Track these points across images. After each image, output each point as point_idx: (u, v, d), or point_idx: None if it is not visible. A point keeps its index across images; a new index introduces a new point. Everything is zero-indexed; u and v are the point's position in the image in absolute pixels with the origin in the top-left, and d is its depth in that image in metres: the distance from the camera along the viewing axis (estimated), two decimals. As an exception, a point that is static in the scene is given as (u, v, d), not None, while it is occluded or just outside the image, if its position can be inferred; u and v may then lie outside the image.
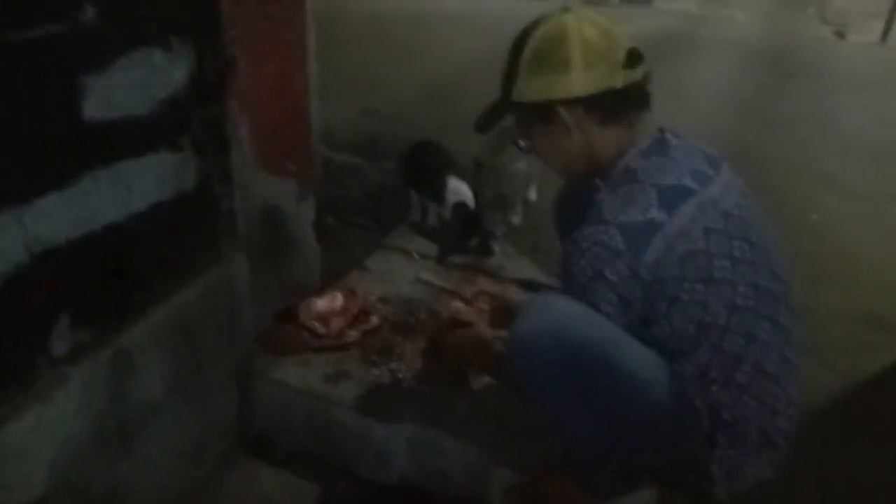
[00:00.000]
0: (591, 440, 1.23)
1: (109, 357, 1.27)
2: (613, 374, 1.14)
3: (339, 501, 1.60)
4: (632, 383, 1.15)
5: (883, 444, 1.78)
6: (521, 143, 1.38)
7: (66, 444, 1.19)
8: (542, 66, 1.23)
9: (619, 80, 1.20)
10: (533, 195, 2.77)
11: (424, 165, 2.46)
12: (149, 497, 1.43)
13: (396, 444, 1.57)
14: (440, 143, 2.53)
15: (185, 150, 1.41)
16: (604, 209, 1.17)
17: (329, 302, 1.83)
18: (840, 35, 8.35)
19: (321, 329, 1.76)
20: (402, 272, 2.16)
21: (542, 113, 1.25)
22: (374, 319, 1.84)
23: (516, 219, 2.65)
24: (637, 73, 1.22)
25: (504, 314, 1.65)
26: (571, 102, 1.22)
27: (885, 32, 7.95)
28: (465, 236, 2.29)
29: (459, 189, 2.33)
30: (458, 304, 1.69)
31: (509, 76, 1.27)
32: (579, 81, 1.20)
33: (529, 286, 2.07)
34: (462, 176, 2.38)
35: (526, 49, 1.24)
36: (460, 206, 2.29)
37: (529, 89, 1.25)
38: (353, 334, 1.78)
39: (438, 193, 2.35)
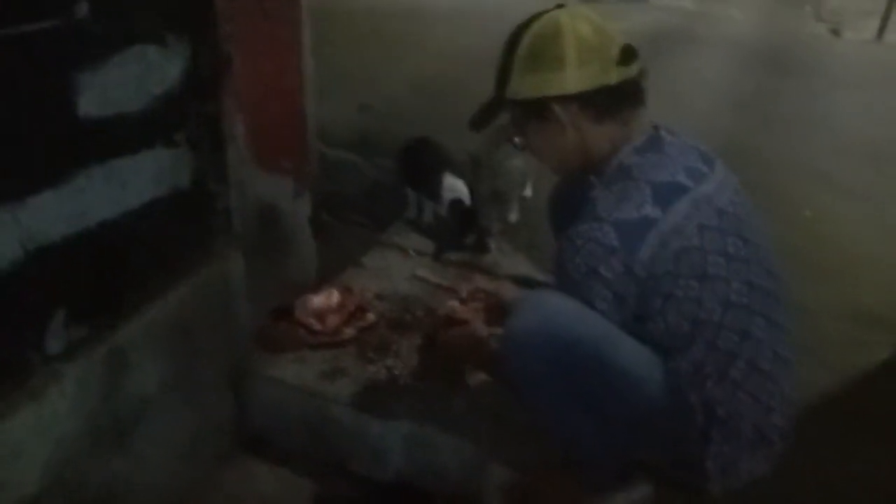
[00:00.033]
0: (586, 437, 1.23)
1: (104, 355, 1.27)
2: (607, 370, 1.15)
3: (335, 499, 1.60)
4: (626, 380, 1.15)
5: (879, 442, 1.79)
6: (516, 140, 1.38)
7: (60, 442, 1.19)
8: (536, 63, 1.23)
9: (614, 76, 1.21)
10: (528, 192, 2.77)
11: (420, 162, 2.46)
12: (144, 495, 1.43)
13: (393, 441, 1.57)
14: (436, 140, 2.53)
15: (180, 147, 1.40)
16: (598, 206, 1.17)
17: (325, 299, 1.83)
18: (836, 33, 8.37)
19: (317, 326, 1.76)
20: (398, 269, 2.16)
21: (537, 110, 1.25)
22: (371, 316, 1.84)
23: (513, 216, 2.65)
24: (632, 70, 1.22)
25: (499, 312, 1.65)
26: (566, 99, 1.22)
27: (881, 30, 7.97)
28: (461, 233, 2.29)
29: (455, 186, 2.32)
30: (453, 304, 1.69)
31: (503, 73, 1.27)
32: (574, 78, 1.20)
33: (525, 283, 2.07)
34: (458, 173, 2.38)
35: (520, 46, 1.24)
36: (456, 203, 2.29)
37: (524, 86, 1.25)
38: (349, 331, 1.78)
39: (434, 190, 2.34)
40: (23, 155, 1.07)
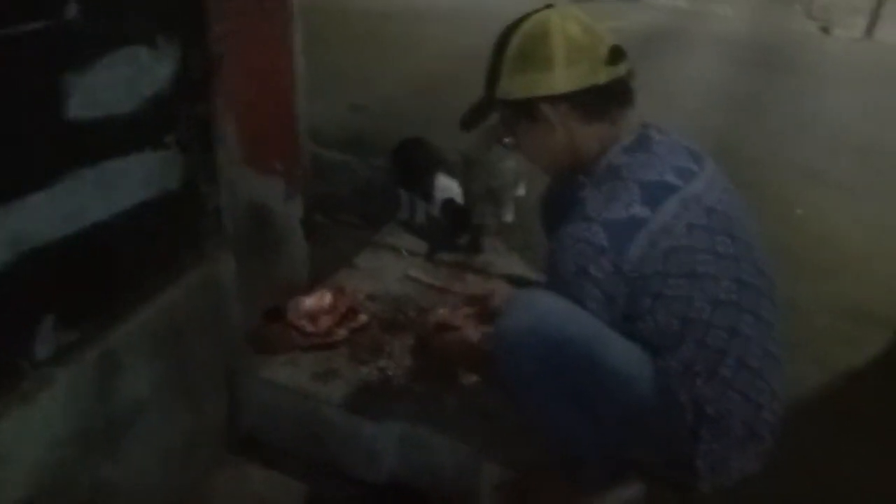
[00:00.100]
0: (577, 436, 1.24)
1: (95, 358, 1.27)
2: (597, 369, 1.15)
3: (329, 500, 1.60)
4: (616, 379, 1.15)
5: (870, 438, 1.80)
6: (507, 140, 1.38)
7: (51, 446, 1.19)
8: (525, 63, 1.23)
9: (602, 76, 1.21)
10: (521, 191, 2.77)
11: (412, 163, 2.46)
12: (137, 498, 1.42)
13: (386, 442, 1.57)
14: (427, 140, 2.53)
15: (170, 148, 1.40)
16: (587, 206, 1.17)
17: (317, 300, 1.83)
18: (825, 30, 8.42)
19: (310, 327, 1.76)
20: (390, 269, 2.16)
21: (527, 110, 1.26)
22: (363, 317, 1.84)
23: (508, 216, 2.65)
24: (620, 70, 1.23)
25: (491, 317, 1.66)
26: (555, 99, 1.22)
27: (870, 27, 8.02)
28: (454, 233, 2.30)
29: (448, 186, 2.33)
30: (444, 311, 1.70)
31: (493, 74, 1.28)
32: (562, 78, 1.20)
33: (519, 283, 2.08)
34: (451, 173, 2.38)
35: (509, 47, 1.24)
36: (449, 203, 2.29)
37: (513, 87, 1.26)
38: (341, 332, 1.77)
39: (427, 191, 2.35)
40: (11, 157, 1.07)
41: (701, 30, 7.92)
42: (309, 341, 1.74)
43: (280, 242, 1.87)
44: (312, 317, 1.78)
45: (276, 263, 1.88)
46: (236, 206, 1.63)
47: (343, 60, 4.94)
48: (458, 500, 1.54)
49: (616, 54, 1.21)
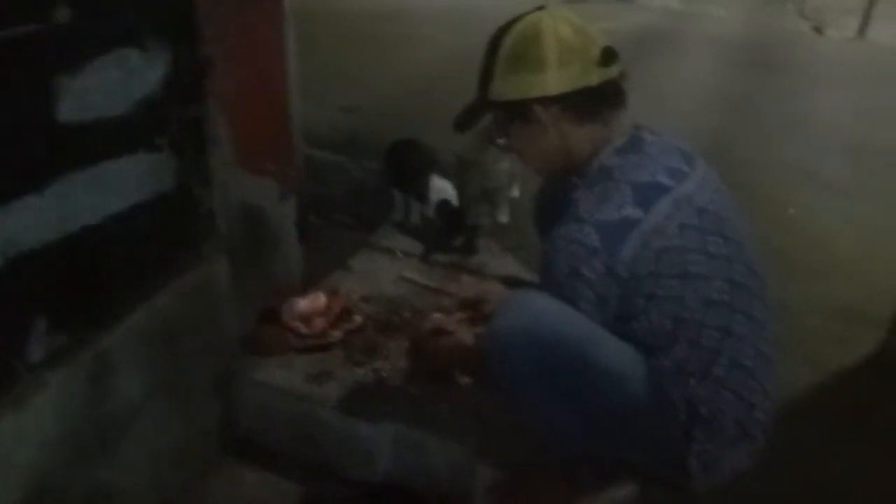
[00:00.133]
0: (570, 436, 1.24)
1: (88, 361, 1.26)
2: (590, 370, 1.15)
3: (323, 502, 1.60)
4: (609, 379, 1.16)
5: (861, 436, 1.81)
6: (500, 141, 1.39)
7: (43, 450, 1.18)
8: (517, 65, 1.23)
9: (594, 78, 1.22)
10: (516, 192, 2.78)
11: (406, 164, 2.46)
12: (131, 501, 1.42)
13: (381, 443, 1.57)
14: (421, 141, 2.53)
15: (163, 150, 1.40)
16: (580, 207, 1.18)
17: (312, 302, 1.82)
18: (818, 30, 8.46)
19: (304, 329, 1.75)
20: (385, 271, 2.16)
21: (519, 112, 1.26)
22: (358, 319, 1.84)
23: (503, 216, 2.65)
24: (612, 71, 1.23)
25: (485, 317, 1.67)
26: (547, 101, 1.23)
27: (862, 28, 8.06)
28: (448, 234, 2.30)
29: (442, 187, 2.33)
30: (438, 316, 1.70)
31: (486, 75, 1.28)
32: (554, 80, 1.21)
33: (513, 283, 2.08)
34: (445, 174, 2.38)
35: (501, 48, 1.25)
36: (444, 204, 2.29)
37: (506, 88, 1.26)
38: (336, 334, 1.77)
39: (421, 192, 2.35)
40: (3, 160, 1.06)
41: (694, 30, 7.94)
42: (303, 343, 1.74)
43: (274, 244, 1.87)
44: (307, 318, 1.78)
45: (270, 265, 1.87)
46: (230, 208, 1.63)
47: (337, 61, 4.95)
48: (452, 501, 1.54)
49: (608, 56, 1.22)
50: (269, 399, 1.66)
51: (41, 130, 1.12)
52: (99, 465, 1.32)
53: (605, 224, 1.14)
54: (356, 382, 1.66)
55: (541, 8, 1.26)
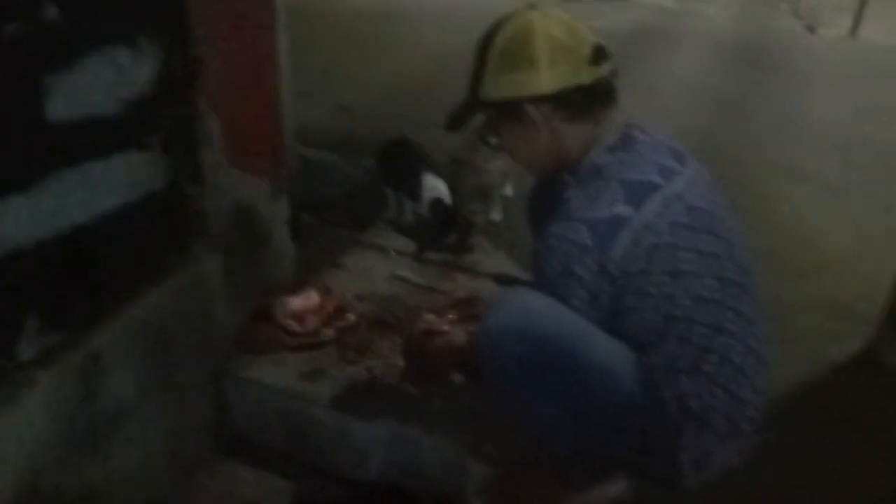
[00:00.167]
0: (562, 433, 1.24)
1: (79, 360, 1.26)
2: (581, 367, 1.16)
3: (316, 500, 1.60)
4: (600, 376, 1.16)
5: (852, 430, 1.82)
6: (491, 140, 1.39)
7: (34, 449, 1.18)
8: (508, 64, 1.24)
9: (586, 76, 1.22)
10: (509, 190, 2.78)
11: (400, 163, 2.47)
12: (123, 499, 1.41)
13: (374, 442, 1.58)
14: (413, 140, 2.54)
15: (153, 150, 1.40)
16: (571, 206, 1.18)
17: (304, 300, 1.82)
18: (811, 29, 8.50)
19: (297, 328, 1.76)
20: (378, 269, 2.16)
21: (510, 111, 1.27)
22: (351, 317, 1.84)
23: (496, 215, 2.66)
24: (603, 70, 1.24)
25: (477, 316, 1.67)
26: (539, 100, 1.23)
27: (854, 27, 8.09)
28: (442, 232, 2.30)
29: (436, 185, 2.33)
30: (430, 317, 1.71)
31: (477, 75, 1.28)
32: (546, 79, 1.21)
33: (506, 281, 2.09)
34: (438, 172, 2.39)
35: (492, 48, 1.25)
36: (437, 203, 2.30)
37: (497, 87, 1.26)
38: (329, 332, 1.77)
39: (414, 191, 2.35)
40: (-7, 159, 1.07)
41: (687, 29, 7.96)
42: (296, 341, 1.74)
43: (266, 242, 1.87)
44: (299, 317, 1.78)
45: (262, 264, 1.88)
46: (221, 207, 1.63)
47: (332, 61, 4.95)
48: (446, 498, 1.54)
49: (599, 54, 1.22)
50: (262, 397, 1.66)
51: (30, 129, 1.12)
52: (90, 464, 1.32)
53: (596, 222, 1.14)
54: (349, 381, 1.66)
55: (532, 7, 1.26)
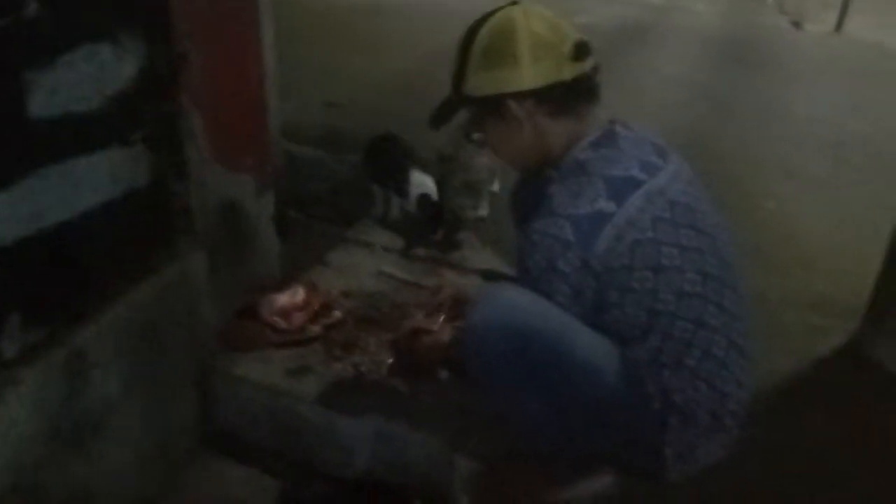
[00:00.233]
0: (547, 428, 1.25)
1: (63, 357, 1.25)
2: (565, 362, 1.17)
3: (303, 496, 1.60)
4: (583, 371, 1.17)
5: (835, 425, 1.83)
6: (475, 136, 1.39)
7: (18, 448, 1.17)
8: (491, 60, 1.24)
9: (568, 72, 1.23)
10: (496, 186, 2.79)
11: (386, 159, 2.46)
12: (110, 498, 1.41)
13: (361, 438, 1.58)
14: (400, 136, 2.53)
15: (137, 146, 1.39)
16: (554, 201, 1.19)
17: (290, 297, 1.82)
18: (797, 25, 8.54)
19: (283, 324, 1.75)
20: (364, 266, 2.16)
21: (493, 107, 1.27)
22: (337, 314, 1.84)
23: (483, 211, 2.66)
24: (586, 66, 1.24)
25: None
26: (521, 96, 1.24)
27: (840, 22, 8.15)
28: (429, 228, 2.30)
29: (423, 181, 2.33)
30: (419, 317, 1.71)
31: (460, 71, 1.29)
32: (528, 75, 1.22)
33: (492, 277, 2.09)
34: (425, 168, 2.38)
35: (475, 44, 1.25)
36: (423, 199, 2.30)
37: (480, 84, 1.27)
38: (314, 329, 1.77)
39: (401, 187, 2.35)
40: (-28, 157, 1.06)
41: (673, 25, 7.99)
42: (282, 338, 1.74)
43: (252, 239, 1.87)
44: (285, 314, 1.78)
45: (248, 260, 1.87)
46: (206, 203, 1.62)
47: (318, 57, 4.92)
48: (432, 494, 1.55)
49: (581, 50, 1.23)
50: (248, 394, 1.65)
51: (12, 126, 1.11)
52: (76, 462, 1.31)
53: (579, 218, 1.15)
54: (335, 377, 1.66)
55: (514, 3, 1.27)
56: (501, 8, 1.27)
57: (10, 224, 1.12)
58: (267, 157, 1.85)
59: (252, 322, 1.76)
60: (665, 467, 1.22)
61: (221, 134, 1.61)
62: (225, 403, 1.69)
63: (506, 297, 1.21)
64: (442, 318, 1.74)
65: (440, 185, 2.37)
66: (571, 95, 1.25)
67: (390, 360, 1.70)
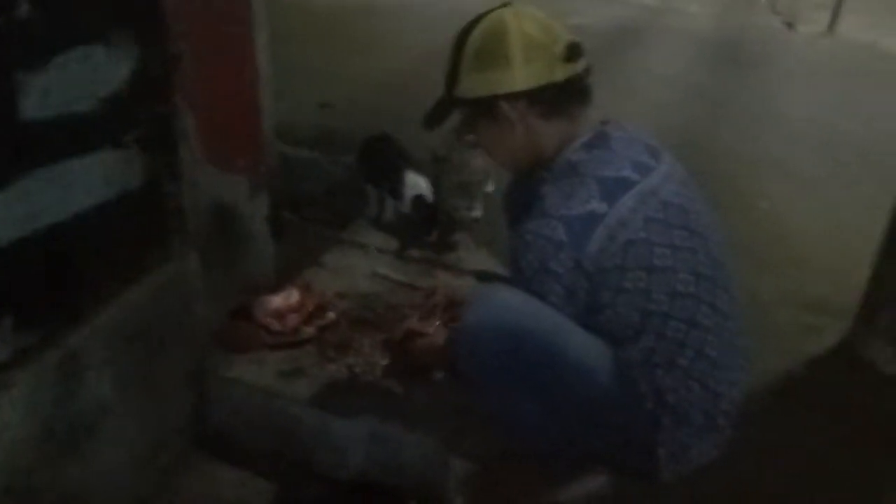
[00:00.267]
0: (540, 429, 1.25)
1: (57, 359, 1.25)
2: (558, 362, 1.17)
3: (298, 498, 1.60)
4: (577, 371, 1.17)
5: (828, 424, 1.84)
6: (468, 138, 1.40)
7: (10, 451, 1.17)
8: (483, 62, 1.25)
9: (559, 74, 1.23)
10: (490, 187, 2.79)
11: (380, 160, 2.46)
12: (103, 501, 1.41)
13: (355, 439, 1.58)
14: (394, 137, 2.53)
15: (130, 147, 1.38)
16: (546, 202, 1.19)
17: (284, 298, 1.82)
18: (790, 25, 8.57)
19: (277, 326, 1.75)
20: (359, 267, 2.16)
21: (486, 108, 1.28)
22: (331, 315, 1.84)
23: (477, 212, 2.66)
24: (577, 67, 1.25)
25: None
26: (513, 97, 1.24)
27: (832, 23, 8.18)
28: (423, 230, 2.30)
29: (417, 183, 2.33)
30: (413, 320, 1.72)
31: (452, 73, 1.29)
32: (520, 76, 1.22)
33: (487, 278, 2.09)
34: (419, 169, 2.38)
35: (467, 46, 1.26)
36: (418, 200, 2.30)
37: (472, 85, 1.27)
38: (308, 330, 1.77)
39: (395, 188, 2.35)
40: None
41: (667, 25, 8.00)
42: (276, 340, 1.74)
43: (245, 240, 1.87)
44: (280, 315, 1.78)
45: (242, 262, 1.87)
46: (200, 205, 1.62)
47: (313, 58, 4.92)
48: (427, 495, 1.55)
49: (573, 51, 1.23)
50: (242, 396, 1.65)
51: (4, 128, 1.11)
52: (69, 465, 1.31)
53: (571, 218, 1.15)
54: (329, 379, 1.66)
55: (506, 4, 1.27)
56: (493, 9, 1.27)
57: (2, 226, 1.12)
58: (261, 158, 1.84)
59: (246, 323, 1.76)
60: (658, 467, 1.22)
61: (215, 135, 1.61)
62: (219, 405, 1.69)
63: (499, 298, 1.21)
64: (436, 320, 1.75)
65: (434, 186, 2.37)
66: (563, 97, 1.25)
67: (385, 362, 1.70)
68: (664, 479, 1.24)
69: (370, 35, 6.10)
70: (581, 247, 1.14)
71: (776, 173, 3.71)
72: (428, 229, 2.30)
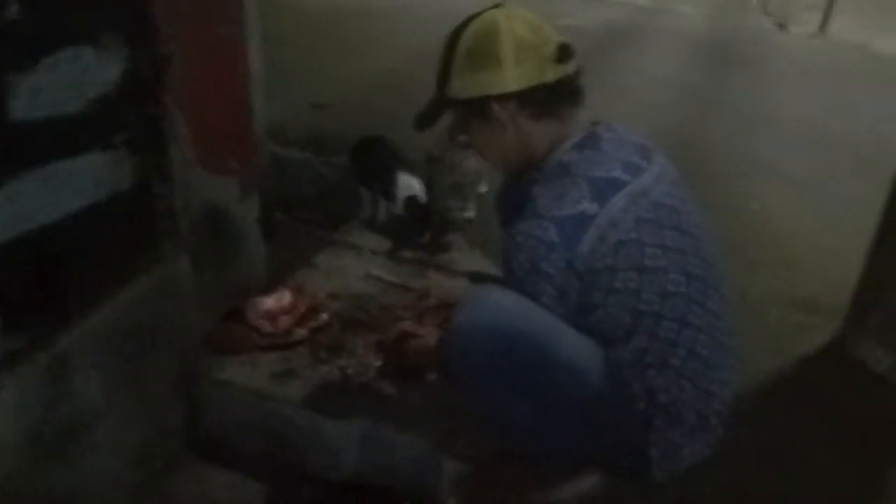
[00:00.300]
0: (532, 429, 1.25)
1: (46, 362, 1.24)
2: (550, 363, 1.17)
3: (290, 500, 1.60)
4: (569, 372, 1.17)
5: (819, 423, 1.85)
6: (460, 138, 1.40)
7: (1, 453, 1.16)
8: (474, 63, 1.25)
9: (550, 75, 1.23)
10: (484, 188, 2.79)
11: (373, 161, 2.46)
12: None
13: (347, 441, 1.57)
14: (387, 138, 2.53)
15: (120, 149, 1.38)
16: (538, 203, 1.19)
17: (276, 300, 1.81)
18: (781, 26, 8.62)
19: (268, 328, 1.75)
20: (351, 268, 2.15)
21: (477, 109, 1.28)
22: (324, 316, 1.83)
23: (470, 212, 2.66)
24: (568, 68, 1.25)
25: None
26: (504, 98, 1.24)
27: (823, 24, 8.23)
28: (416, 231, 2.30)
29: (410, 183, 2.33)
30: (407, 322, 1.71)
31: (443, 73, 1.29)
32: (511, 77, 1.22)
33: (480, 279, 2.09)
34: (412, 170, 2.38)
35: (458, 46, 1.26)
36: (411, 201, 2.29)
37: (463, 86, 1.27)
38: (301, 332, 1.77)
39: (388, 189, 2.35)
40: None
41: (660, 27, 8.03)
42: (268, 341, 1.73)
43: (237, 242, 1.86)
44: (272, 317, 1.77)
45: (233, 263, 1.86)
46: (191, 206, 1.61)
47: (304, 59, 4.91)
48: (420, 496, 1.55)
49: (564, 52, 1.23)
50: (234, 398, 1.65)
51: (-8, 129, 1.10)
52: (59, 469, 1.30)
53: (562, 219, 1.16)
54: (322, 380, 1.65)
55: (497, 6, 1.27)
56: (485, 10, 1.27)
57: (-10, 228, 1.12)
58: (252, 159, 1.84)
59: (238, 325, 1.75)
60: (651, 467, 1.22)
61: (206, 136, 1.60)
62: (210, 407, 1.68)
63: (491, 299, 1.21)
64: (429, 321, 1.75)
65: (427, 186, 2.37)
66: (554, 97, 1.26)
67: (377, 363, 1.70)
68: (656, 479, 1.24)
69: (363, 36, 6.09)
70: (572, 247, 1.14)
71: (767, 174, 3.72)
72: (421, 230, 2.30)
